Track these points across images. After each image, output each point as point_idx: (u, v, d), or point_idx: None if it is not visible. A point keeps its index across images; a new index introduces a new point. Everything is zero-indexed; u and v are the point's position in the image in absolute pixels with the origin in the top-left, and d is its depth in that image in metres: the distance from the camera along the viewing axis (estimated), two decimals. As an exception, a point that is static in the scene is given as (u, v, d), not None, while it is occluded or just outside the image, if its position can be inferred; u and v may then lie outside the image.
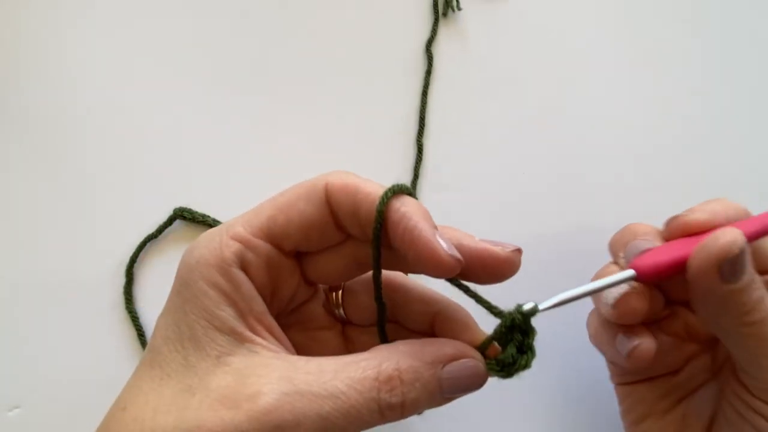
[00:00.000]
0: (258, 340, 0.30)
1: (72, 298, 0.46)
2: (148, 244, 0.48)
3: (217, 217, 0.49)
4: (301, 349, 0.34)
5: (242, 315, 0.30)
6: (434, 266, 0.29)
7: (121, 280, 0.47)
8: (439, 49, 0.54)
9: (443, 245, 0.29)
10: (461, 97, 0.53)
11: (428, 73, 0.53)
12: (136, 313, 0.46)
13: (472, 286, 0.32)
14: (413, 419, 0.31)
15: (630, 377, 0.39)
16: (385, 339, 0.34)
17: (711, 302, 0.33)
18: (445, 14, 0.55)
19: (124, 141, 0.50)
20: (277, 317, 0.33)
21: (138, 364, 0.32)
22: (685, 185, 0.51)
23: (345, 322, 0.38)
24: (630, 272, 0.32)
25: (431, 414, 0.31)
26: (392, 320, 0.36)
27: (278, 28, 0.54)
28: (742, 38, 0.55)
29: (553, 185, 0.50)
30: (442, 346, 0.30)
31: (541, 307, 0.30)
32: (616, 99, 0.53)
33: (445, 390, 0.29)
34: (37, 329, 0.46)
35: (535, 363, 0.30)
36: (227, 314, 0.30)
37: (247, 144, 0.51)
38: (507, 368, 0.30)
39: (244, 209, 0.34)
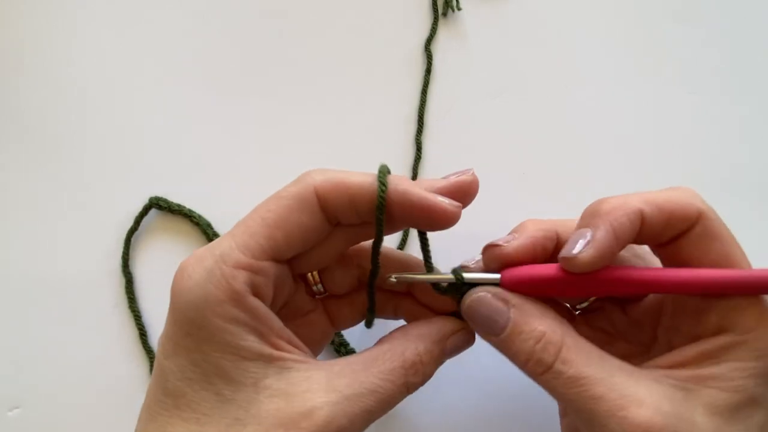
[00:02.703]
0: (285, 355, 0.31)
1: (69, 298, 0.46)
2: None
3: (193, 208, 0.49)
4: (297, 336, 0.35)
5: (264, 338, 0.31)
6: (445, 220, 0.33)
7: (113, 277, 0.47)
8: (439, 49, 0.54)
9: (446, 202, 0.33)
10: (461, 97, 0.53)
11: (428, 72, 0.53)
12: (139, 312, 0.46)
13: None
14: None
15: None
16: (373, 304, 0.38)
17: (495, 347, 0.33)
18: (444, 14, 0.55)
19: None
20: None
21: (150, 407, 0.31)
22: (686, 185, 0.50)
23: (324, 295, 0.39)
24: (496, 276, 0.33)
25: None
26: (365, 286, 0.38)
27: (276, 27, 0.54)
28: (743, 39, 0.55)
29: (553, 185, 0.50)
30: (444, 325, 0.34)
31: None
32: (616, 98, 0.53)
33: (446, 355, 0.34)
34: (37, 330, 0.46)
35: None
36: (252, 342, 0.30)
37: (246, 143, 0.51)
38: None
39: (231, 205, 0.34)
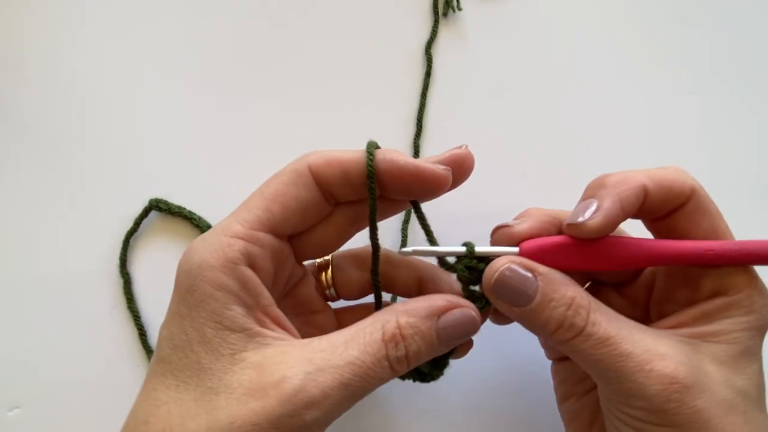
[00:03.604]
0: (267, 332, 0.31)
1: (69, 298, 0.47)
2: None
3: (194, 210, 0.49)
4: (300, 334, 0.35)
5: (250, 311, 0.31)
6: (434, 182, 0.34)
7: (112, 277, 0.47)
8: (439, 51, 0.54)
9: (434, 165, 0.34)
10: (460, 98, 0.53)
11: (427, 75, 0.53)
12: (138, 312, 0.46)
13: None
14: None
15: (558, 352, 0.40)
16: (378, 284, 0.37)
17: (517, 320, 0.33)
18: (445, 14, 0.55)
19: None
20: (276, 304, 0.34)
21: (147, 376, 0.32)
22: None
23: (336, 300, 0.40)
24: (512, 249, 0.34)
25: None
26: (382, 289, 0.39)
27: (277, 29, 0.54)
28: (744, 39, 0.55)
29: (553, 185, 0.50)
30: (435, 301, 0.33)
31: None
32: (616, 98, 0.53)
33: (441, 339, 0.32)
34: (37, 330, 0.46)
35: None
36: (236, 313, 0.30)
37: (246, 144, 0.51)
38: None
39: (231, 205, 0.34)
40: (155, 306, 0.47)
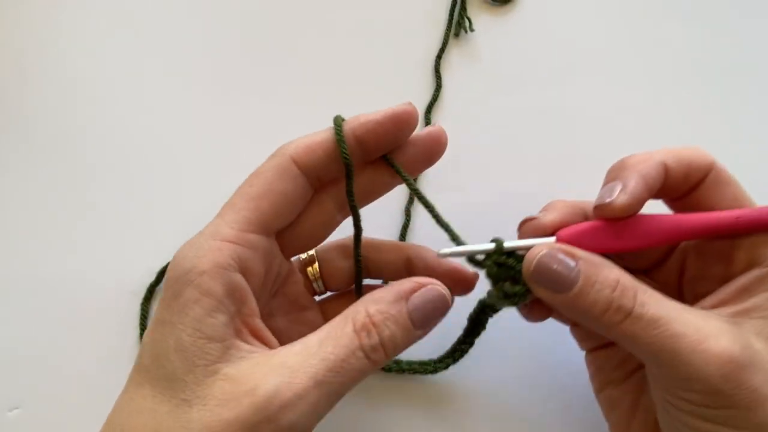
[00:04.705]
0: (243, 345, 0.31)
1: (69, 298, 0.47)
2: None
3: None
4: (288, 335, 0.35)
5: (231, 320, 0.31)
6: (406, 116, 0.34)
7: (128, 286, 0.47)
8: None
9: (397, 105, 0.34)
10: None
11: (437, 90, 0.53)
12: (145, 312, 0.47)
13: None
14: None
15: (593, 342, 0.40)
16: (359, 258, 0.38)
17: (561, 308, 0.33)
18: (457, 35, 0.55)
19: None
20: (263, 305, 0.34)
21: (126, 383, 0.32)
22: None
23: (324, 293, 0.40)
24: (548, 240, 0.34)
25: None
26: (370, 275, 0.39)
27: (279, 32, 0.55)
28: (744, 38, 0.56)
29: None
30: (402, 284, 0.33)
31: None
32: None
33: (414, 320, 0.32)
34: (37, 330, 0.46)
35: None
36: (217, 321, 0.30)
37: (251, 151, 0.51)
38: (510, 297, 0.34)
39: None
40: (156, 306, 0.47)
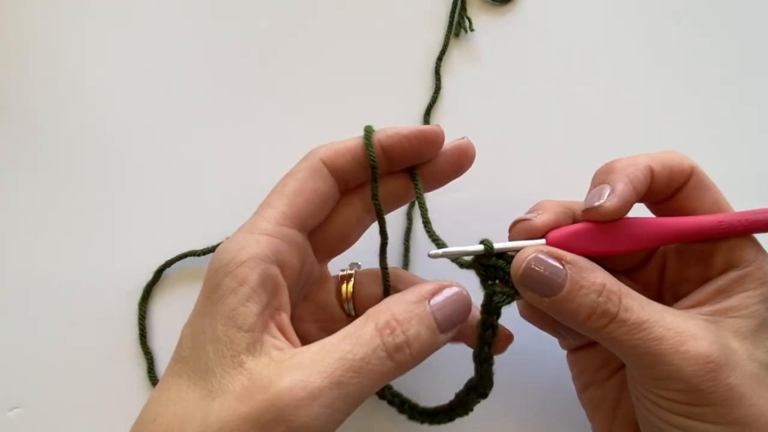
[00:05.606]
0: (269, 339, 0.31)
1: (69, 298, 0.47)
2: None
3: None
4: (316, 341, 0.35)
5: (262, 311, 0.31)
6: (432, 136, 0.36)
7: (126, 286, 0.47)
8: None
9: (426, 126, 0.36)
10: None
11: (436, 92, 0.53)
12: (143, 312, 0.47)
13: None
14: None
15: (575, 342, 0.40)
16: (386, 273, 0.39)
17: (547, 310, 0.33)
18: (457, 35, 0.55)
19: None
20: (293, 305, 0.35)
21: (164, 373, 0.32)
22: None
23: (354, 318, 0.39)
24: (537, 242, 0.34)
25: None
26: None
27: (281, 34, 0.55)
28: (744, 39, 0.55)
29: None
30: (423, 286, 0.32)
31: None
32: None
33: (439, 321, 0.31)
34: (37, 330, 0.46)
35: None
36: (249, 311, 0.30)
37: (253, 163, 0.52)
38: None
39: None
40: (156, 306, 0.47)
